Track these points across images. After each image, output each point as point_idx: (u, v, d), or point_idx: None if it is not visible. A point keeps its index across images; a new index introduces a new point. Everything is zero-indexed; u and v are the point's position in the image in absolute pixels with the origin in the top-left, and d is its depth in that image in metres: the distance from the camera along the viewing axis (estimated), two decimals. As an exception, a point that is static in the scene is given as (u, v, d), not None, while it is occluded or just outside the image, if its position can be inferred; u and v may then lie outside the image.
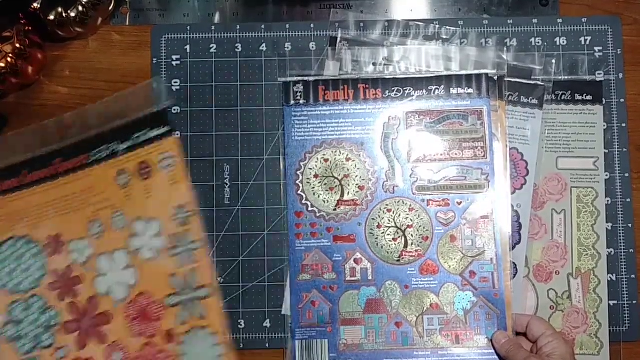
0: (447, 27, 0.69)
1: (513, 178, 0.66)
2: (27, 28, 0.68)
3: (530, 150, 0.66)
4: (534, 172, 0.66)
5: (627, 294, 0.67)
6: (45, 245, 0.62)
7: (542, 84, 0.67)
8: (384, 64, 0.67)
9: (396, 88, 0.67)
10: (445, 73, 0.67)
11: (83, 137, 0.64)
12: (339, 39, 0.69)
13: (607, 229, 0.67)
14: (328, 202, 0.67)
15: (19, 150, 0.64)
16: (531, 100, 0.66)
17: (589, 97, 0.68)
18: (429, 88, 0.67)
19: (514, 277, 0.65)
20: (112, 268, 0.61)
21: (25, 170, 0.63)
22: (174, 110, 0.69)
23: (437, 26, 0.69)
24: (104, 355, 0.60)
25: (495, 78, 0.66)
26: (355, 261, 0.66)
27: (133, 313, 0.61)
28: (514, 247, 0.65)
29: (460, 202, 0.66)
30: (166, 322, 0.61)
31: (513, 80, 0.67)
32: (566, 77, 0.69)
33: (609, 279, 0.67)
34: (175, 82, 0.70)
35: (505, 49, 0.69)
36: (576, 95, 0.68)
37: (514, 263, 0.65)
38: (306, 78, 0.68)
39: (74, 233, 0.62)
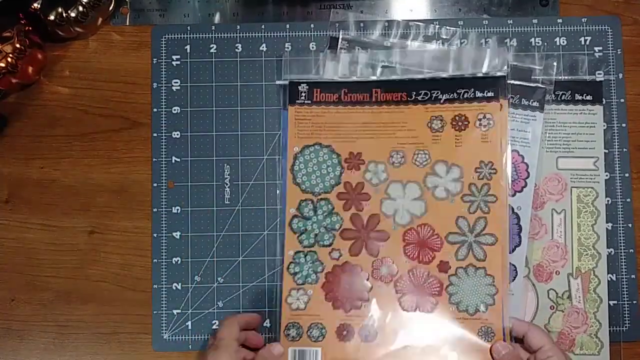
0: (447, 27, 0.69)
1: (513, 180, 0.65)
2: (27, 28, 0.68)
3: (531, 152, 0.66)
4: (535, 174, 0.66)
5: (627, 294, 0.67)
6: (346, 159, 0.66)
7: (543, 86, 0.66)
8: (385, 66, 0.67)
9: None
10: (446, 76, 0.67)
11: (405, 78, 0.67)
12: (340, 41, 0.69)
13: (607, 229, 0.67)
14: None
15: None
16: (532, 102, 0.66)
17: (589, 97, 0.68)
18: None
19: (514, 279, 0.64)
20: (402, 195, 0.65)
21: (345, 89, 0.67)
22: (174, 110, 0.69)
23: (437, 26, 0.69)
24: (372, 266, 0.64)
25: (499, 77, 0.66)
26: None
27: (410, 239, 0.64)
28: (514, 250, 0.65)
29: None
30: (443, 254, 0.64)
31: (513, 82, 0.66)
32: (566, 77, 0.68)
33: (609, 279, 0.67)
34: (175, 82, 0.70)
35: (505, 49, 0.69)
36: (576, 95, 0.68)
37: (513, 265, 0.65)
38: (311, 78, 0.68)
39: (374, 156, 0.66)
